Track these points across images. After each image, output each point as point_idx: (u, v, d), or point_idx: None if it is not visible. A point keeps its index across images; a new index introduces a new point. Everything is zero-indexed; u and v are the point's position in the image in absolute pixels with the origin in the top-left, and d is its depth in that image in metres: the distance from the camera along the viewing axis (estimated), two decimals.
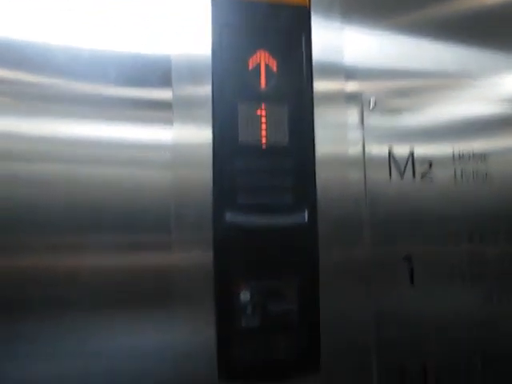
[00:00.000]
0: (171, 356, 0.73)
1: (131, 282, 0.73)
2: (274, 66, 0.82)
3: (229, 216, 0.78)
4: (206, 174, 0.78)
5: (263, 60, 0.82)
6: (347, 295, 0.83)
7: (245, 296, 0.77)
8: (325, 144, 0.84)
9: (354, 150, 0.86)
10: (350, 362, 0.81)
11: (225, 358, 0.75)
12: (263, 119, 0.81)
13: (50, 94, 0.74)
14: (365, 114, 0.86)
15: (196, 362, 0.75)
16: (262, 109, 0.81)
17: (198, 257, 0.77)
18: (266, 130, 0.81)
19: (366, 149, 0.86)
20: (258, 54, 0.82)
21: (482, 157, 0.92)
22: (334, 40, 0.88)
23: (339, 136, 0.86)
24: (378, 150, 0.87)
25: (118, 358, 0.72)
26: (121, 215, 0.74)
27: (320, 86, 0.85)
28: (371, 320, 0.83)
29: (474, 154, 0.91)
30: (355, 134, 0.86)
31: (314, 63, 0.85)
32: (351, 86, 0.87)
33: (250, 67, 0.81)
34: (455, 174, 0.90)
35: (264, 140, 0.81)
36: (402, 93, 0.90)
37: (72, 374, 0.70)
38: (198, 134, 0.79)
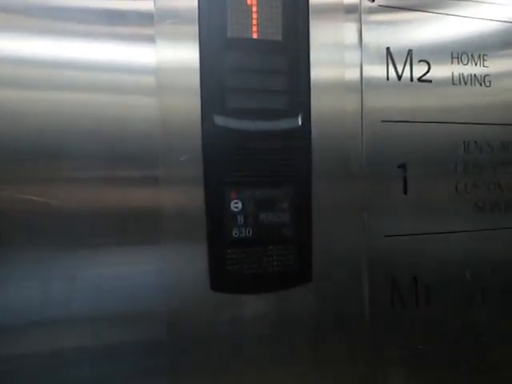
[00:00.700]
0: (163, 279, 0.69)
1: (117, 216, 0.67)
2: None
3: (218, 120, 0.71)
4: (193, 99, 0.70)
5: None
6: (339, 207, 0.79)
7: (236, 206, 0.72)
8: (320, 38, 0.77)
9: (351, 41, 0.79)
10: (342, 274, 0.79)
11: (216, 269, 0.71)
12: (254, 9, 0.72)
13: (19, 6, 0.63)
14: (362, 4, 0.79)
15: (188, 277, 0.71)
16: None
17: (187, 190, 0.71)
18: (258, 22, 0.72)
19: (364, 41, 0.79)
20: None
21: (481, 58, 0.87)
22: None
23: (335, 30, 0.78)
24: (376, 45, 0.80)
25: (106, 284, 0.67)
26: (102, 146, 0.66)
27: None
28: (363, 232, 0.80)
29: (472, 56, 0.86)
30: (352, 27, 0.79)
31: None
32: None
33: None
34: (453, 77, 0.85)
35: (255, 34, 0.73)
36: (403, 7, 0.82)
37: (58, 299, 0.66)
38: (184, 53, 0.70)
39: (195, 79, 0.70)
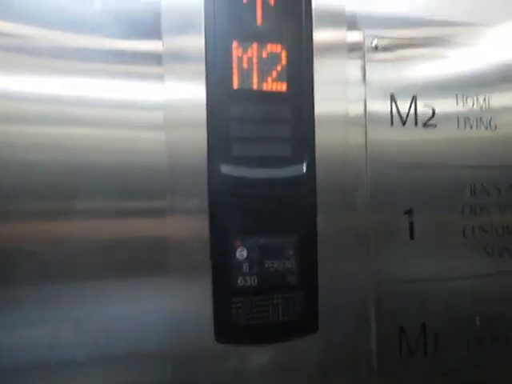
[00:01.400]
0: (167, 320, 0.69)
1: (124, 248, 0.67)
2: (270, 2, 0.74)
3: (224, 168, 0.71)
4: (200, 133, 0.71)
5: None
6: (346, 253, 0.78)
7: (241, 254, 0.72)
8: (326, 96, 0.77)
9: (356, 101, 0.80)
10: (349, 322, 0.78)
11: (221, 319, 0.71)
12: (259, 61, 0.73)
13: (32, 47, 0.65)
14: (366, 54, 0.79)
15: (193, 323, 0.70)
16: (257, 49, 0.73)
17: (193, 221, 0.71)
18: (263, 73, 0.73)
19: (368, 99, 0.79)
20: None
21: (487, 102, 0.87)
22: None
23: (340, 89, 0.79)
24: (380, 99, 0.80)
25: (113, 325, 0.67)
26: (113, 179, 0.67)
27: (320, 35, 0.77)
28: (370, 278, 0.79)
29: (477, 100, 0.86)
30: (357, 85, 0.80)
31: (313, 10, 0.76)
32: (353, 36, 0.80)
33: (245, 2, 0.73)
34: (458, 122, 0.85)
35: (260, 85, 0.73)
36: (407, 41, 0.83)
37: (65, 341, 0.66)
38: (191, 90, 0.71)
39: (201, 114, 0.71)
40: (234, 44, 0.72)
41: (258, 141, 0.74)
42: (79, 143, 0.66)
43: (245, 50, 0.72)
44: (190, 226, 0.71)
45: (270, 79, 0.74)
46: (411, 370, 0.80)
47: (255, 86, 0.73)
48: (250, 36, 0.73)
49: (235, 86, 0.72)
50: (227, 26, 0.72)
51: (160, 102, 0.69)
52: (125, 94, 0.69)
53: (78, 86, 0.66)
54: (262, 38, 0.73)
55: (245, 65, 0.72)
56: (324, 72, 0.77)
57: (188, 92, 0.71)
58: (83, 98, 0.66)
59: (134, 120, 0.69)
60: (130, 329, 0.68)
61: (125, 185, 0.68)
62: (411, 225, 0.81)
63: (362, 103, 0.80)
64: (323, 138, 0.77)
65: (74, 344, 0.66)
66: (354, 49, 0.80)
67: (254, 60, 0.73)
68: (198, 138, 0.71)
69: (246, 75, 0.72)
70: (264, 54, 0.73)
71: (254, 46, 0.73)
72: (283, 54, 0.74)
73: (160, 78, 0.70)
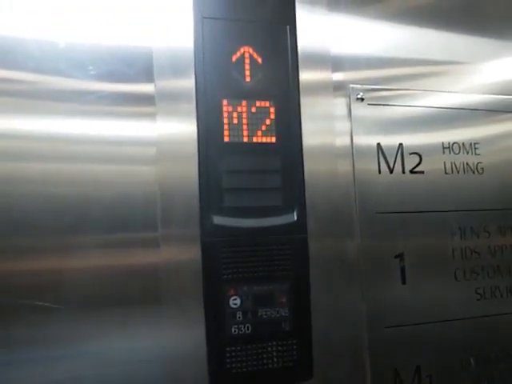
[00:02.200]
0: (160, 360, 0.70)
1: (118, 280, 0.70)
2: (258, 60, 0.78)
3: (216, 219, 0.74)
4: (191, 168, 0.74)
5: (247, 54, 0.78)
6: (338, 298, 0.80)
7: (235, 303, 0.74)
8: (312, 136, 0.81)
9: (342, 141, 0.83)
10: (343, 367, 0.79)
11: (215, 366, 0.72)
12: (248, 116, 0.77)
13: (27, 90, 0.70)
14: (352, 105, 0.83)
15: (186, 368, 0.71)
16: (247, 105, 0.77)
17: (185, 253, 0.73)
18: (252, 127, 0.77)
19: (355, 141, 0.83)
20: (242, 49, 0.78)
21: (473, 147, 0.90)
22: (321, 29, 0.84)
23: (327, 127, 0.82)
24: (367, 142, 0.84)
25: (106, 361, 0.69)
26: (106, 212, 0.70)
27: (306, 76, 0.81)
28: (363, 323, 0.80)
29: (464, 145, 0.89)
30: (343, 125, 0.83)
31: (299, 54, 0.81)
32: (338, 76, 0.84)
33: (234, 60, 0.77)
34: (445, 167, 0.88)
35: (250, 138, 0.77)
36: (390, 82, 0.87)
37: (63, 378, 0.67)
38: (182, 129, 0.75)
39: (191, 149, 0.75)
40: (224, 102, 0.76)
41: (250, 191, 0.76)
42: (77, 178, 0.70)
43: (235, 107, 0.76)
44: (183, 256, 0.73)
45: (259, 133, 0.77)
46: None
47: (246, 139, 0.76)
48: (239, 93, 0.77)
49: (226, 139, 0.75)
50: (217, 85, 0.76)
51: (153, 139, 0.73)
52: (120, 132, 0.72)
53: (76, 125, 0.71)
54: (250, 95, 0.77)
55: (235, 120, 0.76)
56: (311, 109, 0.81)
57: (179, 129, 0.75)
58: (81, 137, 0.70)
59: (129, 155, 0.73)
60: (122, 364, 0.69)
61: (119, 217, 0.71)
62: (402, 270, 0.83)
63: (349, 138, 0.83)
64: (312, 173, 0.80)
65: (71, 381, 0.67)
66: (340, 88, 0.84)
67: (244, 115, 0.76)
68: (188, 171, 0.74)
69: (236, 129, 0.76)
70: (253, 110, 0.77)
71: (244, 102, 0.76)
72: (272, 109, 0.78)
73: (152, 116, 0.74)
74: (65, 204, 0.69)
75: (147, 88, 0.74)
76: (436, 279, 0.85)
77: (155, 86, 0.74)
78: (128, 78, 0.73)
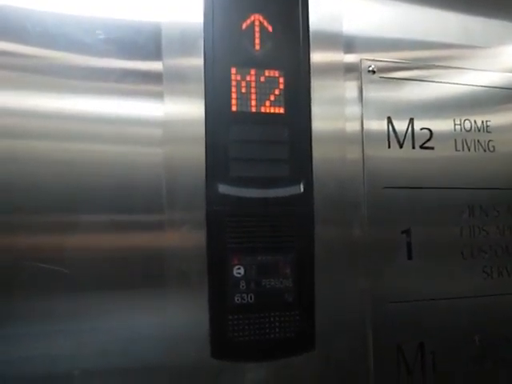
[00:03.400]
0: (164, 334, 0.70)
1: (123, 262, 0.70)
2: (269, 29, 0.77)
3: (222, 188, 0.74)
4: (198, 150, 0.73)
5: (257, 22, 0.77)
6: (343, 272, 0.79)
7: (238, 272, 0.74)
8: (321, 105, 0.79)
9: (353, 122, 0.82)
10: (346, 341, 0.79)
11: (217, 336, 0.72)
12: (257, 85, 0.76)
13: (29, 65, 0.68)
14: (363, 77, 0.82)
15: (189, 339, 0.71)
16: (255, 74, 0.76)
17: (191, 235, 0.73)
18: (261, 96, 0.76)
19: (365, 120, 0.81)
20: (252, 17, 0.77)
21: (484, 124, 0.88)
22: (333, 7, 0.82)
23: (337, 109, 0.81)
24: (377, 121, 0.82)
25: (110, 337, 0.69)
26: (111, 194, 0.70)
27: (317, 57, 0.80)
28: (368, 298, 0.80)
29: (475, 122, 0.88)
30: (354, 107, 0.82)
31: (310, 33, 0.79)
32: (350, 58, 0.82)
33: (244, 28, 0.76)
34: (456, 143, 0.86)
35: (258, 108, 0.76)
36: (404, 64, 0.85)
37: (63, 353, 0.67)
38: (190, 109, 0.74)
39: (199, 131, 0.73)
40: (233, 70, 0.75)
41: (256, 161, 0.76)
42: (81, 158, 0.69)
43: (243, 76, 0.75)
44: (188, 240, 0.73)
45: (268, 103, 0.76)
46: None
47: (254, 109, 0.76)
48: (248, 62, 0.76)
49: (234, 108, 0.75)
50: (226, 53, 0.75)
51: (159, 119, 0.72)
52: (126, 111, 0.71)
53: (81, 103, 0.69)
54: (259, 64, 0.76)
55: (243, 89, 0.75)
56: (322, 92, 0.80)
57: (186, 109, 0.74)
58: (86, 115, 0.69)
59: (134, 136, 0.72)
60: (126, 342, 0.70)
61: (124, 199, 0.70)
62: (409, 245, 0.82)
63: (359, 122, 0.82)
64: (321, 155, 0.79)
65: (70, 357, 0.67)
66: (351, 70, 0.82)
67: (253, 84, 0.76)
68: (196, 154, 0.73)
69: (244, 99, 0.75)
70: (262, 79, 0.76)
71: (252, 71, 0.76)
72: (281, 79, 0.77)
73: (160, 96, 0.72)
74: (66, 184, 0.68)
75: (155, 66, 0.73)
76: (443, 256, 0.84)
77: (163, 63, 0.73)
78: (135, 55, 0.72)
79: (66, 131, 0.69)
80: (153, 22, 0.73)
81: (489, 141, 0.89)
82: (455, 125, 0.87)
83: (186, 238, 0.73)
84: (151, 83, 0.73)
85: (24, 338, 0.66)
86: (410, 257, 0.82)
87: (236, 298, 0.73)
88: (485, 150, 0.88)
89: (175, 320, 0.71)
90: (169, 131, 0.72)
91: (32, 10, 0.69)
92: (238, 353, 0.73)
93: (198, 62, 0.74)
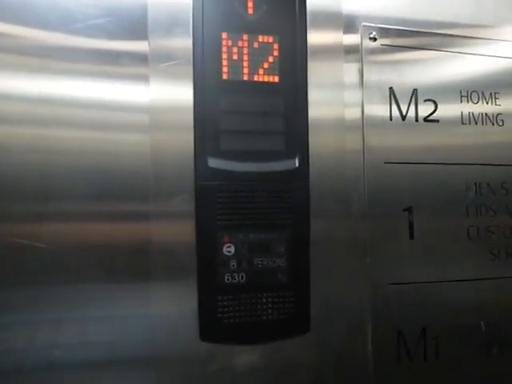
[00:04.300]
0: (151, 317, 0.67)
1: (110, 250, 0.66)
2: None
3: (211, 162, 0.69)
4: (187, 136, 0.69)
5: None
6: (342, 252, 0.75)
7: (228, 250, 0.69)
8: (318, 75, 0.75)
9: (352, 91, 0.77)
10: (343, 324, 0.75)
11: (206, 317, 0.68)
12: (250, 51, 0.71)
13: (18, 46, 0.64)
14: (364, 44, 0.77)
15: (177, 321, 0.68)
16: (248, 39, 0.71)
17: (178, 223, 0.69)
18: (254, 63, 0.71)
19: (365, 90, 0.77)
20: None
21: (493, 96, 0.83)
22: None
23: (337, 78, 0.76)
24: (378, 85, 0.77)
25: (95, 328, 0.66)
26: (98, 181, 0.66)
27: (315, 38, 0.75)
28: (367, 279, 0.75)
29: (483, 94, 0.82)
30: (354, 76, 0.77)
31: (308, 10, 0.74)
32: (350, 39, 0.77)
33: None
34: (462, 116, 0.81)
35: (251, 76, 0.71)
36: (407, 31, 0.80)
37: (50, 341, 0.64)
38: (178, 92, 0.69)
39: (188, 117, 0.69)
40: (224, 35, 0.70)
41: (248, 134, 0.71)
42: (63, 145, 0.65)
43: (235, 41, 0.70)
44: (175, 228, 0.69)
45: (261, 71, 0.72)
46: (409, 374, 0.76)
47: (246, 77, 0.71)
48: (240, 26, 0.71)
49: (225, 76, 0.70)
50: (216, 16, 0.70)
51: (145, 104, 0.68)
52: (110, 95, 0.67)
53: (63, 86, 0.65)
54: (253, 29, 0.71)
55: (235, 56, 0.70)
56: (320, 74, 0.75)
57: (174, 93, 0.69)
58: (68, 99, 0.65)
59: (119, 122, 0.67)
60: (112, 332, 0.66)
61: (109, 187, 0.66)
62: (411, 224, 0.78)
63: (360, 92, 0.77)
64: (320, 138, 0.74)
65: (53, 347, 0.64)
66: (351, 51, 0.77)
67: (245, 51, 0.71)
68: (183, 141, 0.69)
69: (236, 66, 0.71)
70: (255, 45, 0.71)
71: (245, 37, 0.71)
72: (275, 46, 0.72)
73: (145, 78, 0.68)
74: (48, 172, 0.64)
75: (140, 46, 0.68)
76: (447, 236, 0.80)
77: (149, 43, 0.68)
78: (119, 35, 0.67)
79: (43, 116, 0.65)
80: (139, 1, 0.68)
81: (497, 114, 0.83)
82: (462, 96, 0.81)
83: (173, 224, 0.69)
84: (136, 65, 0.68)
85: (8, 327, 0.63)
86: (411, 236, 0.78)
87: (226, 278, 0.69)
88: (493, 124, 0.83)
89: (162, 302, 0.67)
90: (155, 116, 0.68)
91: None
92: (228, 335, 0.69)
93: (187, 42, 0.69)
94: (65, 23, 0.65)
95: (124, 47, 0.68)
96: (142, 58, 0.68)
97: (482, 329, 0.80)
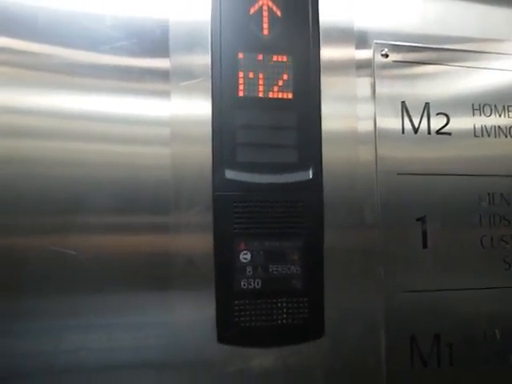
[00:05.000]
0: (173, 324, 0.71)
1: (131, 260, 0.70)
2: (277, 13, 0.76)
3: (229, 174, 0.73)
4: (205, 149, 0.73)
5: (265, 6, 0.76)
6: (355, 260, 0.78)
7: (245, 257, 0.73)
8: (332, 88, 0.78)
9: (365, 105, 0.80)
10: (357, 330, 0.77)
11: (224, 320, 0.72)
12: (265, 70, 0.75)
13: (35, 62, 0.69)
14: (376, 61, 0.80)
15: (195, 324, 0.71)
16: (263, 59, 0.75)
17: (197, 238, 0.73)
18: (268, 81, 0.75)
19: (377, 104, 0.80)
20: (260, 1, 0.76)
21: (506, 109, 0.85)
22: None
23: (349, 91, 0.80)
24: (391, 100, 0.80)
25: (118, 332, 0.70)
26: (117, 194, 0.70)
27: (328, 53, 0.79)
28: (381, 287, 0.78)
29: (496, 107, 0.84)
30: (366, 91, 0.80)
31: (321, 26, 0.78)
32: (362, 54, 0.81)
33: (252, 12, 0.76)
34: (475, 129, 0.83)
35: (266, 93, 0.75)
36: (418, 47, 0.82)
37: (72, 349, 0.68)
38: (197, 107, 0.74)
39: (207, 130, 0.73)
40: (240, 55, 0.74)
41: (264, 147, 0.75)
42: (86, 158, 0.69)
43: (251, 60, 0.75)
44: (193, 238, 0.73)
45: (276, 88, 0.76)
46: (423, 380, 0.78)
47: (261, 94, 0.75)
48: (255, 46, 0.75)
49: (241, 93, 0.74)
50: (233, 36, 0.75)
51: (166, 118, 0.72)
52: (134, 110, 0.71)
53: (87, 101, 0.70)
54: (267, 49, 0.75)
55: (251, 74, 0.75)
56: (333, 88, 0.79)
57: (194, 108, 0.74)
58: (92, 114, 0.70)
59: (141, 135, 0.71)
60: (135, 337, 0.70)
61: (131, 199, 0.70)
62: (424, 233, 0.80)
63: (372, 106, 0.80)
64: (333, 150, 0.78)
65: (81, 351, 0.68)
66: (363, 66, 0.81)
67: (260, 69, 0.75)
68: (203, 153, 0.73)
69: (251, 84, 0.75)
70: (270, 64, 0.75)
71: (260, 56, 0.75)
72: (289, 64, 0.76)
73: (167, 94, 0.73)
74: (72, 184, 0.68)
75: (162, 63, 0.73)
76: (460, 245, 0.81)
77: (170, 61, 0.73)
78: (142, 52, 0.72)
79: (70, 130, 0.69)
80: (160, 19, 0.73)
81: (510, 126, 0.85)
82: (474, 110, 0.84)
83: (193, 236, 0.72)
84: (158, 81, 0.72)
85: (30, 333, 0.67)
86: (425, 245, 0.80)
87: (242, 284, 0.73)
88: (506, 136, 0.85)
89: (182, 309, 0.71)
90: (176, 130, 0.72)
91: (39, 6, 0.69)
92: (245, 338, 0.72)
93: (206, 59, 0.74)
94: (92, 44, 0.70)
95: (146, 64, 0.73)
96: (163, 75, 0.73)
97: (496, 337, 0.81)
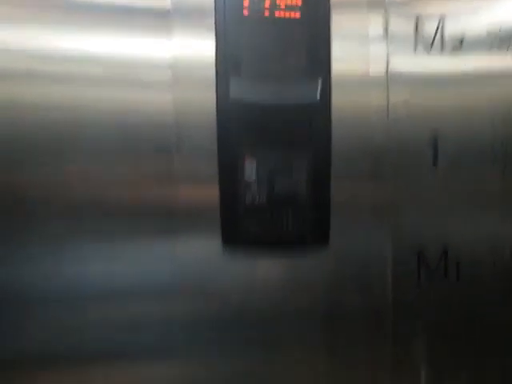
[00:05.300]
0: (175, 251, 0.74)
1: (133, 210, 0.72)
2: None
3: (233, 86, 0.75)
4: (209, 95, 0.73)
5: None
6: (362, 175, 0.78)
7: (250, 170, 0.75)
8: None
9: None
10: (363, 239, 0.78)
11: (229, 224, 0.75)
12: None
13: (33, 1, 0.66)
14: None
15: (200, 240, 0.74)
16: None
17: (202, 187, 0.75)
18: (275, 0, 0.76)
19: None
20: None
21: None
22: None
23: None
24: (404, 24, 0.79)
25: (123, 267, 0.73)
26: (119, 138, 0.70)
27: None
28: (388, 201, 0.78)
29: None
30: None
31: None
32: None
33: None
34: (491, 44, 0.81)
35: (272, 12, 0.76)
36: None
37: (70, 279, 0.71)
38: (201, 47, 0.73)
39: (211, 73, 0.73)
40: None
41: (270, 61, 0.76)
42: (83, 102, 0.68)
43: None
44: (199, 187, 0.75)
45: (283, 6, 0.76)
46: (430, 295, 0.79)
47: (267, 14, 0.75)
48: None
49: (246, 12, 0.75)
50: None
51: (167, 59, 0.71)
52: (131, 51, 0.70)
53: (84, 43, 0.67)
54: None
55: None
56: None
57: (197, 48, 0.73)
58: (89, 55, 0.68)
59: (141, 78, 0.71)
60: (136, 269, 0.73)
61: (131, 144, 0.71)
62: (435, 151, 0.79)
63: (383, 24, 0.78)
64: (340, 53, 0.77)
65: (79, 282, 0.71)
66: None
67: None
68: (207, 98, 0.73)
69: (257, 2, 0.75)
70: None
71: None
72: None
73: (168, 32, 0.71)
74: (70, 129, 0.68)
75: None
76: (473, 161, 0.80)
77: None
78: None
79: (66, 73, 0.67)
80: None
81: None
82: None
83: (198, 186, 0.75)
84: (158, 20, 0.70)
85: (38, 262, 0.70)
86: (434, 163, 0.79)
87: (248, 195, 0.75)
88: None
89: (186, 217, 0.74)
90: (178, 72, 0.71)
91: None
92: (249, 239, 0.76)
93: None
94: None
95: (146, 1, 0.71)
96: (164, 12, 0.71)
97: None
